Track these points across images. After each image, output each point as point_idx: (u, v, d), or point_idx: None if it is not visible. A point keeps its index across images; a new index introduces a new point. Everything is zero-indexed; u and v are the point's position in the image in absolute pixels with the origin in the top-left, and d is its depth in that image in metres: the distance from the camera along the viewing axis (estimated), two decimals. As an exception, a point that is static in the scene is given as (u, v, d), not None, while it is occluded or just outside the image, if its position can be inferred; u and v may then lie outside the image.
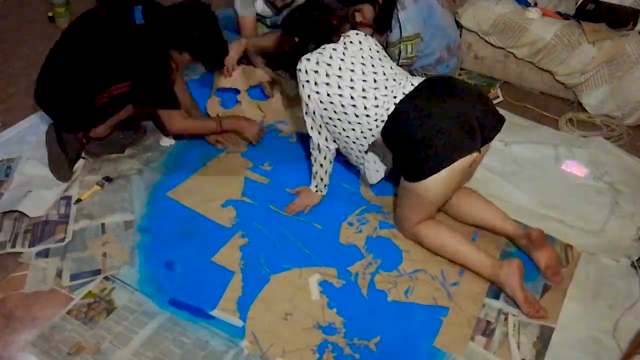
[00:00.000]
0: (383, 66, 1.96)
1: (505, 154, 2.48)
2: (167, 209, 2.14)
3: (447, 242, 1.92)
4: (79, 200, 2.14)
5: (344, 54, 1.95)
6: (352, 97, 1.90)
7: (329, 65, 1.93)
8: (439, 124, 1.77)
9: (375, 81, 1.91)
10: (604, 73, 2.75)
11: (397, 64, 2.29)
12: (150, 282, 1.86)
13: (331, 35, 1.99)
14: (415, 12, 2.42)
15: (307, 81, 1.94)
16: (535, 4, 3.00)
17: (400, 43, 2.43)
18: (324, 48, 1.96)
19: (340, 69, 1.92)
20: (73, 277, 1.86)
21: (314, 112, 1.98)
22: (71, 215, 2.08)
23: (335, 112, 1.94)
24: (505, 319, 1.80)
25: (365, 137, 1.95)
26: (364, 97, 1.90)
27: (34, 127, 2.47)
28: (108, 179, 2.24)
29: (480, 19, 2.93)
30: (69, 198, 2.15)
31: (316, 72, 1.92)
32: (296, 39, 2.02)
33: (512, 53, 2.94)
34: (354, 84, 1.91)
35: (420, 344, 1.72)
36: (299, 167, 2.37)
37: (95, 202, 2.14)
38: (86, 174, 2.27)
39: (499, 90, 2.97)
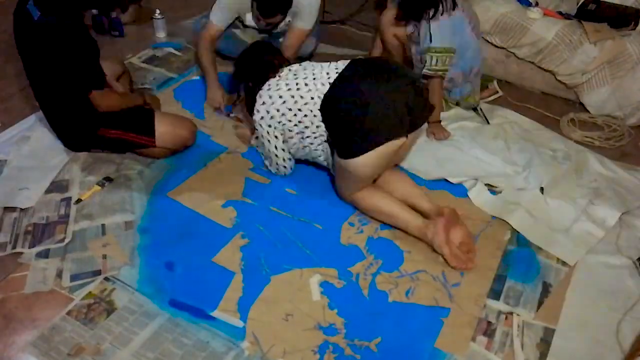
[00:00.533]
0: (322, 67, 2.06)
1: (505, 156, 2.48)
2: (168, 209, 2.13)
3: (379, 203, 2.05)
4: (79, 201, 2.13)
5: (286, 78, 2.08)
6: (292, 97, 2.02)
7: (271, 96, 2.05)
8: (370, 107, 1.85)
9: (313, 75, 2.03)
10: (605, 73, 2.74)
11: (422, 74, 2.44)
12: (150, 282, 1.85)
13: (274, 72, 2.13)
14: (446, 26, 2.40)
15: (262, 117, 2.08)
16: (537, 4, 3.00)
17: (427, 52, 2.42)
18: (269, 84, 2.09)
19: (279, 87, 2.05)
20: (73, 278, 1.85)
21: (279, 138, 2.12)
22: (71, 215, 2.07)
23: (290, 120, 2.04)
24: (506, 318, 1.80)
25: (317, 126, 2.02)
26: (298, 89, 2.02)
27: (34, 127, 2.48)
28: (108, 179, 2.24)
29: (481, 18, 2.91)
30: (69, 198, 2.15)
31: (267, 109, 2.06)
32: (250, 84, 2.19)
33: (513, 53, 2.93)
34: (290, 87, 2.04)
35: (422, 345, 1.71)
36: (300, 168, 2.37)
37: (96, 203, 2.13)
38: (86, 174, 2.27)
39: (496, 85, 2.97)
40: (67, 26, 1.98)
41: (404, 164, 2.39)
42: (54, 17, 1.96)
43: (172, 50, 3.19)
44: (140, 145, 2.27)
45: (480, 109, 2.74)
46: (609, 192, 2.28)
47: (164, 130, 2.25)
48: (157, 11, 3.25)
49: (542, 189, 2.26)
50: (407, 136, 1.94)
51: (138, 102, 2.34)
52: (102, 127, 2.21)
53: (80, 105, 2.13)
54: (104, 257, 1.92)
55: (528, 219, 2.13)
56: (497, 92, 2.93)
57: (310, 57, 3.09)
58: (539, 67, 2.90)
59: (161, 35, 3.30)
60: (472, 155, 2.46)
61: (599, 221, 2.14)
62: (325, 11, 3.53)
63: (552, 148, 2.52)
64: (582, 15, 2.83)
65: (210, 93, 2.72)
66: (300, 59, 2.97)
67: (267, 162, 2.31)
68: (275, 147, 2.16)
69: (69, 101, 2.15)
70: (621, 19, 2.77)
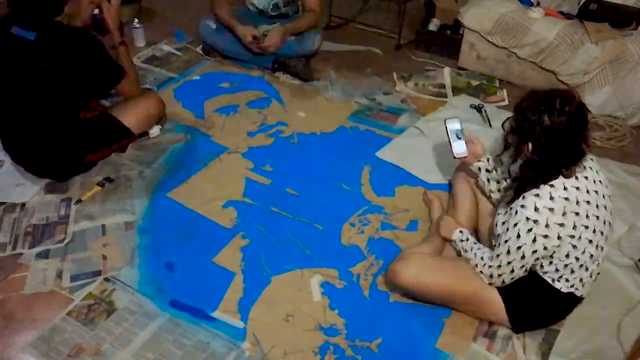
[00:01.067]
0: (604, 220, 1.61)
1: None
2: (168, 209, 2.13)
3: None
4: (79, 201, 2.13)
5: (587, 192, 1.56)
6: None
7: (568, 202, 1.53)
8: None
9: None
10: (607, 73, 2.73)
11: None
12: (150, 283, 1.85)
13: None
14: None
15: (536, 221, 1.52)
16: (538, 4, 2.99)
17: None
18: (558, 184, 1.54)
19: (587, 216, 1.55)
20: (73, 278, 1.85)
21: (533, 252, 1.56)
22: (71, 215, 2.07)
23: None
24: (508, 320, 1.79)
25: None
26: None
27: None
28: (109, 180, 2.23)
29: (482, 18, 2.92)
30: (69, 199, 2.14)
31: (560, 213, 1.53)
32: (529, 147, 1.53)
33: (514, 53, 2.92)
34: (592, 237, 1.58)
35: (423, 346, 1.71)
36: (300, 168, 2.36)
37: (96, 203, 2.13)
38: (87, 174, 2.26)
39: (505, 93, 2.95)
40: (74, 32, 2.00)
41: (405, 166, 2.38)
42: (52, 31, 1.97)
43: (172, 50, 3.18)
44: (125, 146, 2.33)
45: (485, 111, 2.73)
46: (618, 200, 2.24)
47: (136, 122, 2.30)
48: (136, 20, 3.18)
49: None
50: None
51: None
52: (87, 153, 2.20)
53: (68, 134, 2.10)
54: (104, 257, 1.92)
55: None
56: (504, 99, 2.91)
57: (314, 54, 3.09)
58: (541, 67, 2.89)
59: (141, 44, 3.20)
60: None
61: None
62: (331, 15, 3.53)
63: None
64: (584, 15, 2.82)
65: (240, 30, 2.85)
66: (304, 57, 2.99)
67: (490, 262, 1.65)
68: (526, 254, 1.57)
69: (58, 132, 2.08)
70: (623, 19, 2.76)
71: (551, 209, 1.51)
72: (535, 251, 1.54)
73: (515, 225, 1.54)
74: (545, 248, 1.54)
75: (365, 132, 2.62)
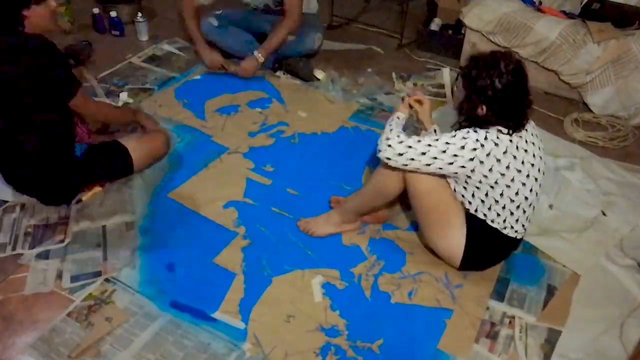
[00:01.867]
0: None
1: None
2: (169, 210, 2.12)
3: None
4: (79, 201, 2.12)
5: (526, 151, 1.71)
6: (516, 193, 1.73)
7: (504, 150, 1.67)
8: None
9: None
10: (609, 73, 2.73)
11: None
12: (151, 284, 1.84)
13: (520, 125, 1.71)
14: None
15: (475, 149, 1.64)
16: (540, 3, 2.98)
17: None
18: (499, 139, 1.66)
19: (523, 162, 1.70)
20: (73, 279, 1.84)
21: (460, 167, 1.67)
22: (71, 216, 2.06)
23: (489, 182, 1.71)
24: (510, 321, 1.79)
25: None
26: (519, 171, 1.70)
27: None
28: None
29: (484, 18, 2.91)
30: (69, 199, 2.14)
31: (496, 144, 1.65)
32: (483, 108, 1.67)
33: (516, 53, 2.91)
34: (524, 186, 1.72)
35: (424, 347, 1.70)
36: (301, 169, 2.36)
37: (96, 203, 2.12)
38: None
39: None
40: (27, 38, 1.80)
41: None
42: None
43: (173, 49, 3.18)
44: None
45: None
46: (620, 200, 2.25)
47: (138, 159, 2.16)
48: (139, 14, 3.21)
49: (550, 206, 2.22)
50: None
51: (129, 118, 2.31)
52: (82, 185, 2.12)
53: (62, 161, 1.97)
54: (105, 258, 1.92)
55: (535, 229, 2.10)
56: None
57: (315, 53, 3.08)
58: (543, 67, 2.88)
59: (144, 38, 3.25)
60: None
61: (610, 231, 2.11)
62: (333, 15, 3.52)
63: (555, 155, 2.49)
64: (586, 14, 2.81)
65: (208, 57, 2.89)
66: (306, 56, 2.98)
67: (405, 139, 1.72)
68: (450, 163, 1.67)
69: (50, 158, 1.94)
70: (625, 19, 2.75)
71: (496, 144, 1.65)
72: (463, 167, 1.66)
73: (464, 138, 1.65)
74: (472, 170, 1.67)
75: (367, 132, 2.61)
